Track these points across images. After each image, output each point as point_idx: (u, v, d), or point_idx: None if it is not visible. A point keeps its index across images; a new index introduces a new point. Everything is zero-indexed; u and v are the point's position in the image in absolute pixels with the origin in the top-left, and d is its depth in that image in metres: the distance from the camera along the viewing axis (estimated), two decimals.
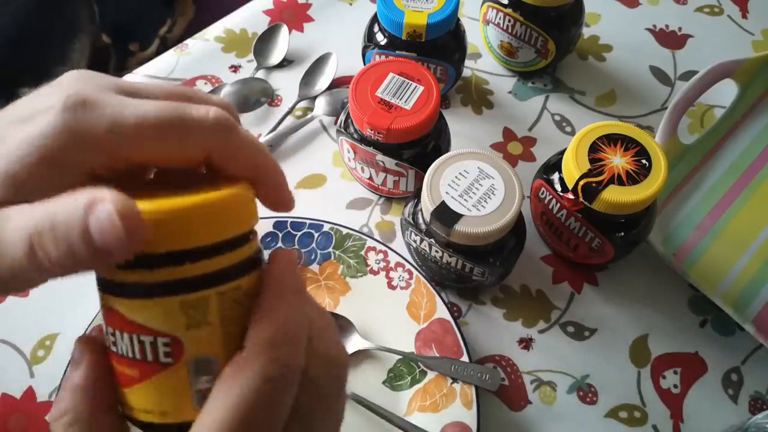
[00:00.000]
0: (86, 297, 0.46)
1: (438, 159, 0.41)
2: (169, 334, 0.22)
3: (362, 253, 0.47)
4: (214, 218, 0.22)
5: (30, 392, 0.45)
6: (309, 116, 0.56)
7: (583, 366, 0.46)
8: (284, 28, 0.60)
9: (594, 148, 0.42)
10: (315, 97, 0.57)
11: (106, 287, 0.23)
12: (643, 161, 0.41)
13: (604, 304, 0.48)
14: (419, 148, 0.46)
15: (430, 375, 0.44)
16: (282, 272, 0.24)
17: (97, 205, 0.18)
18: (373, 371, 0.45)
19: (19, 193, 0.20)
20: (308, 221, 0.48)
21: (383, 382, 0.44)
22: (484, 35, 0.58)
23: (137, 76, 0.59)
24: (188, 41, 0.61)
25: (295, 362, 0.22)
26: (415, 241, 0.44)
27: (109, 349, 0.23)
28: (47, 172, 0.20)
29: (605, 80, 0.59)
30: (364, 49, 0.53)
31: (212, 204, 0.22)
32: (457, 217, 0.39)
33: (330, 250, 0.48)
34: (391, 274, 0.47)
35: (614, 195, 0.40)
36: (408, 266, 0.47)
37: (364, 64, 0.54)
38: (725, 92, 0.54)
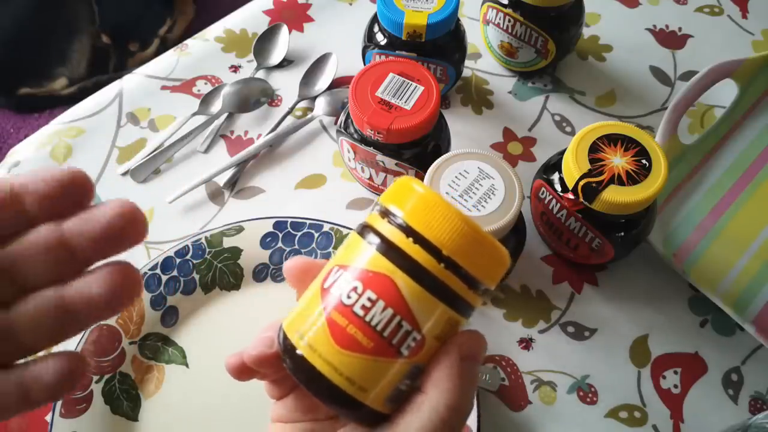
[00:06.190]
0: None
1: (438, 159, 0.41)
2: (424, 334, 0.24)
3: None
4: (501, 265, 0.25)
5: None
6: (309, 116, 0.56)
7: (583, 366, 0.46)
8: (284, 28, 0.60)
9: (594, 148, 0.42)
10: (315, 97, 0.57)
11: (396, 258, 0.24)
12: (643, 161, 0.41)
13: (604, 304, 0.48)
14: (419, 148, 0.46)
15: None
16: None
17: None
18: None
19: None
20: (308, 221, 0.48)
21: None
22: (484, 35, 0.58)
23: (137, 76, 0.59)
24: (188, 41, 0.61)
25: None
26: None
27: (351, 309, 0.24)
28: None
29: (605, 80, 0.59)
30: (364, 49, 0.53)
31: (504, 254, 0.25)
32: None
33: (330, 250, 0.48)
34: None
35: (614, 195, 0.40)
36: None
37: (364, 64, 0.54)
38: (725, 92, 0.54)
